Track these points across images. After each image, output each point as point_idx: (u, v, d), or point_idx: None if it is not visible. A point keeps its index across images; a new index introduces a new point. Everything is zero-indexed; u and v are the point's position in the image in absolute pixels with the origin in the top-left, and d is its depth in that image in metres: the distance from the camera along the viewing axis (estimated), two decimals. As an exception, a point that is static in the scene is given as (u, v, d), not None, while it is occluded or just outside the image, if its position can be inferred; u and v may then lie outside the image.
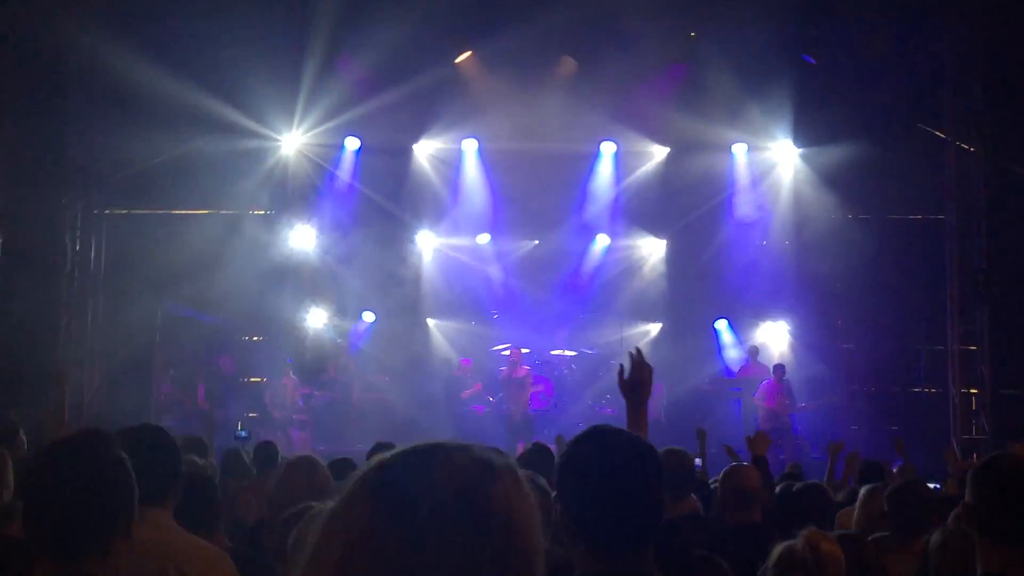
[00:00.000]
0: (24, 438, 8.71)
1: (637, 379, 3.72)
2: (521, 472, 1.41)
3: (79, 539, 2.60)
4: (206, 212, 18.45)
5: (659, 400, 17.38)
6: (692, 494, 5.92)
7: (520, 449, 12.03)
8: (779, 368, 17.42)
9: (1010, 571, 3.00)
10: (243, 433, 14.47)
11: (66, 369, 8.36)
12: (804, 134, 18.49)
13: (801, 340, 18.90)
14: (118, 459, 2.70)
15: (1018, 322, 16.04)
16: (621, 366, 3.82)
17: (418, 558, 1.28)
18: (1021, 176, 16.15)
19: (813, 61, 15.41)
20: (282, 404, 17.25)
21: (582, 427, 10.92)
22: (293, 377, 17.57)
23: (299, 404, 17.38)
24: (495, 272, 19.65)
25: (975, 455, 15.18)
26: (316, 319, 18.57)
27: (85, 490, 2.61)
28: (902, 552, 5.01)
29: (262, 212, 18.81)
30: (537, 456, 6.30)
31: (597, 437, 2.60)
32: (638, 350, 3.85)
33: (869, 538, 5.26)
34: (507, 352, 18.04)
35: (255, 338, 19.08)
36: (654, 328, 19.42)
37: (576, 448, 2.58)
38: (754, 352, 18.26)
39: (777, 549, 3.89)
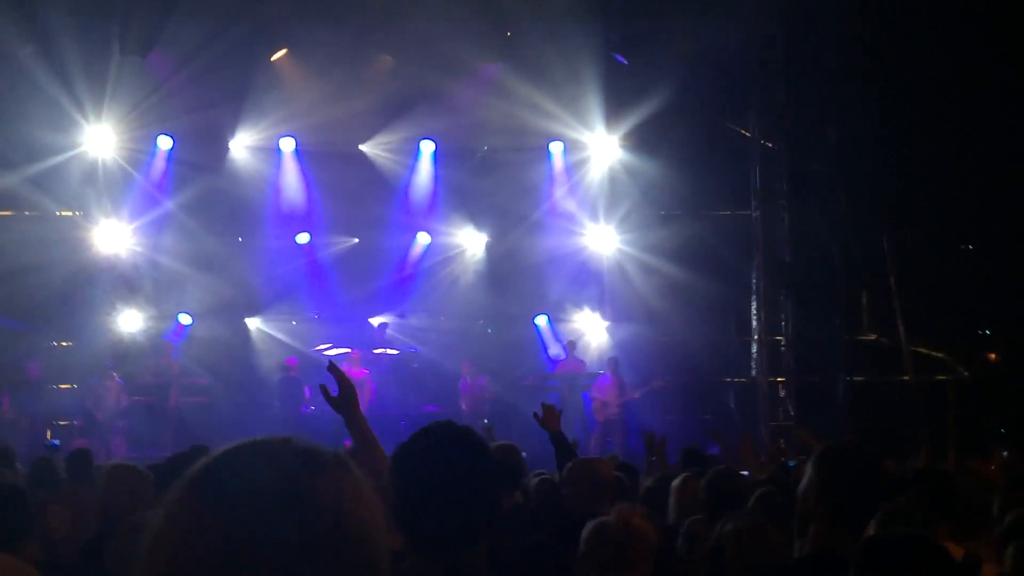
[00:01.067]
0: None
1: (345, 394, 3.78)
2: (354, 465, 1.36)
3: None
4: (9, 214, 17.69)
5: (483, 393, 17.59)
6: (518, 490, 6.01)
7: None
8: (612, 360, 17.83)
9: (838, 548, 3.23)
10: (54, 441, 13.97)
11: None
12: (617, 132, 18.94)
13: (616, 332, 19.36)
14: None
15: (818, 313, 16.81)
16: (323, 387, 3.84)
17: (245, 558, 1.22)
18: (819, 171, 16.92)
19: (625, 61, 15.79)
20: (105, 407, 16.65)
21: (403, 424, 10.93)
22: (118, 380, 16.96)
23: (123, 407, 16.81)
24: (315, 271, 19.45)
25: (782, 441, 15.84)
26: (130, 322, 18.05)
27: None
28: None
29: (70, 213, 18.16)
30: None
31: (431, 433, 2.60)
32: (333, 364, 3.87)
33: (687, 520, 5.50)
34: (335, 352, 17.90)
35: (64, 343, 18.40)
36: (476, 324, 19.59)
37: (410, 443, 2.58)
38: (571, 346, 18.59)
39: (590, 525, 4.02)
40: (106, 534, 4.96)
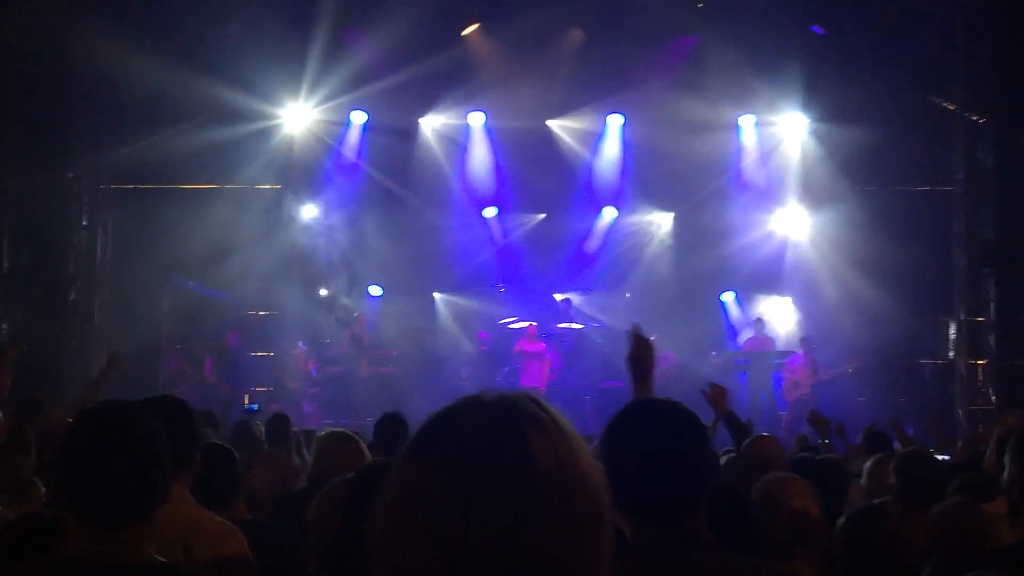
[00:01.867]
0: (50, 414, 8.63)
1: (638, 355, 3.78)
2: (566, 422, 1.37)
3: (126, 506, 2.60)
4: (213, 187, 18.41)
5: (669, 370, 17.44)
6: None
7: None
8: (805, 340, 17.48)
9: None
10: (253, 406, 14.53)
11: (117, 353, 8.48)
12: (812, 106, 18.42)
13: (807, 312, 18.92)
14: (156, 428, 2.70)
15: (1024, 294, 16.04)
16: (630, 339, 3.86)
17: (475, 514, 1.26)
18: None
19: (822, 31, 15.31)
20: (295, 375, 17.24)
21: (588, 399, 11.02)
22: (303, 347, 17.53)
23: (312, 374, 17.39)
24: (502, 246, 19.63)
25: (980, 426, 15.21)
26: (327, 292, 18.63)
27: (131, 457, 2.61)
28: (911, 521, 5.03)
29: (269, 187, 18.80)
30: None
31: (640, 407, 2.66)
32: (637, 325, 3.92)
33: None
34: (519, 325, 18.08)
35: (262, 313, 19.09)
36: (662, 299, 19.42)
37: (620, 420, 2.61)
38: (760, 323, 18.26)
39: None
40: (309, 493, 5.10)
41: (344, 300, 18.67)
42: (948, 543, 3.96)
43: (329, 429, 6.56)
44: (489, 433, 1.30)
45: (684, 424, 2.58)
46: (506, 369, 17.84)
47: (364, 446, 5.37)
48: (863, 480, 6.12)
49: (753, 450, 5.68)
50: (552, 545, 1.27)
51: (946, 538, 4.02)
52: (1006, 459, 3.35)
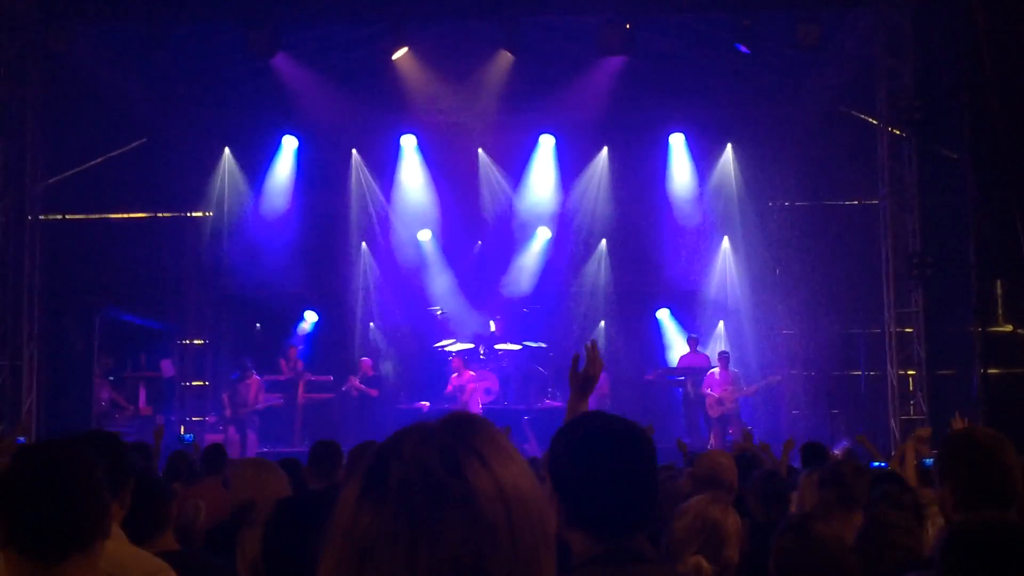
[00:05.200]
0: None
1: (588, 374, 3.77)
2: (506, 446, 1.38)
3: (67, 539, 2.65)
4: (145, 216, 18.24)
5: (602, 389, 17.51)
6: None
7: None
8: (723, 356, 17.64)
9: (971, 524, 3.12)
10: (188, 437, 14.35)
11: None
12: (739, 123, 18.72)
13: (739, 327, 19.15)
14: (95, 461, 2.76)
15: (950, 303, 16.33)
16: (576, 356, 3.86)
17: (423, 542, 1.28)
18: (949, 159, 16.43)
19: (747, 51, 15.54)
20: (243, 403, 17.04)
21: (527, 420, 11.02)
22: (256, 376, 17.37)
23: (259, 406, 17.17)
24: (437, 268, 19.63)
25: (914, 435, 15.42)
26: (262, 320, 18.50)
27: (72, 491, 2.66)
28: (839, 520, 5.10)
29: (203, 215, 18.66)
30: None
31: (591, 421, 2.64)
32: (594, 343, 3.90)
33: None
34: (454, 348, 18.14)
35: (196, 341, 18.92)
36: (598, 320, 19.57)
37: (570, 433, 2.61)
38: (694, 342, 18.41)
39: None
40: (237, 524, 5.07)
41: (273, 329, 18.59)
42: (870, 551, 4.03)
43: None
44: (431, 475, 1.31)
45: (633, 439, 2.57)
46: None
47: (281, 474, 5.36)
48: (797, 492, 6.22)
49: (705, 464, 5.73)
50: None
51: (869, 545, 4.09)
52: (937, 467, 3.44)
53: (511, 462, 1.36)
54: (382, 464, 1.34)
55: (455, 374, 17.64)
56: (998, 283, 16.49)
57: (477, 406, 17.28)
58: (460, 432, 1.36)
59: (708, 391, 17.33)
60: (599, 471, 2.50)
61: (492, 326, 18.71)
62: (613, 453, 2.52)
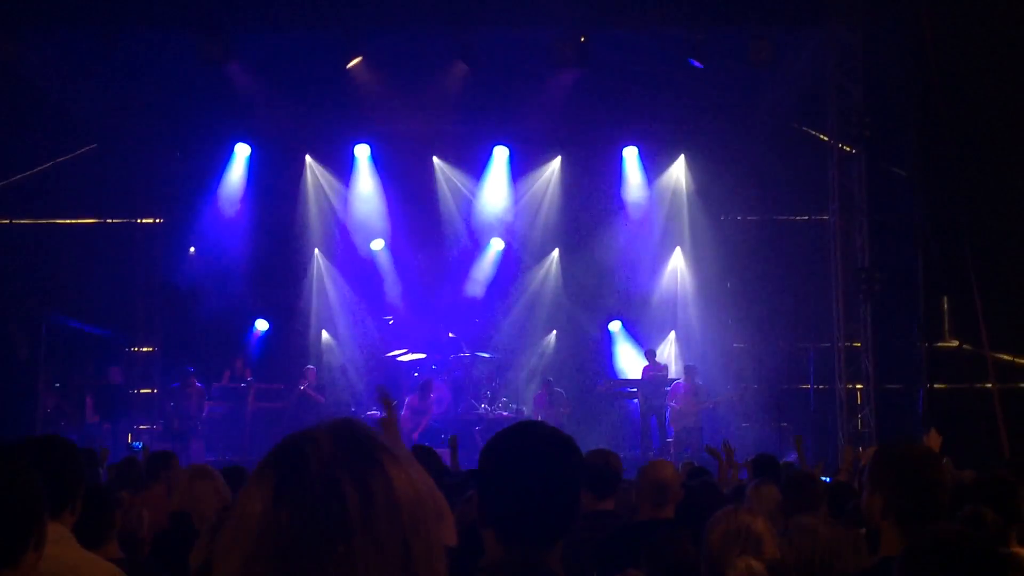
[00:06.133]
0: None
1: (388, 420, 4.33)
2: (404, 452, 1.41)
3: None
4: (94, 222, 18.05)
5: (558, 401, 17.52)
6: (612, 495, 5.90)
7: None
8: (688, 368, 17.71)
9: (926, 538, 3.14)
10: (137, 444, 14.22)
11: None
12: (692, 137, 18.87)
13: (690, 337, 19.26)
14: (28, 470, 2.63)
15: (898, 319, 16.53)
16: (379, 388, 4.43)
17: (305, 542, 1.31)
18: (899, 176, 16.66)
19: (700, 65, 15.65)
20: (186, 413, 16.87)
21: (478, 430, 10.99)
22: (199, 385, 17.20)
23: (203, 414, 17.01)
24: (390, 278, 19.57)
25: (860, 448, 15.58)
26: (211, 327, 18.34)
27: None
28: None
29: (151, 221, 18.49)
30: (421, 456, 6.30)
31: (521, 429, 2.62)
32: (381, 388, 4.50)
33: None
34: (407, 358, 18.11)
35: (144, 349, 18.73)
36: (549, 331, 19.60)
37: (500, 439, 2.59)
38: (651, 355, 18.37)
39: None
40: (179, 532, 5.03)
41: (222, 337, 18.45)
42: (807, 562, 4.05)
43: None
44: (303, 487, 1.33)
45: (558, 450, 2.54)
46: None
47: (218, 482, 5.34)
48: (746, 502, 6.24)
49: (650, 474, 5.74)
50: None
51: (806, 556, 4.11)
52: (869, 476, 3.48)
53: (386, 469, 1.38)
54: (293, 469, 1.36)
55: (407, 411, 17.29)
56: (944, 299, 16.73)
57: (427, 422, 17.16)
58: (340, 445, 1.39)
59: (670, 403, 17.38)
60: (514, 477, 2.48)
61: (451, 335, 18.63)
62: (531, 461, 2.49)
